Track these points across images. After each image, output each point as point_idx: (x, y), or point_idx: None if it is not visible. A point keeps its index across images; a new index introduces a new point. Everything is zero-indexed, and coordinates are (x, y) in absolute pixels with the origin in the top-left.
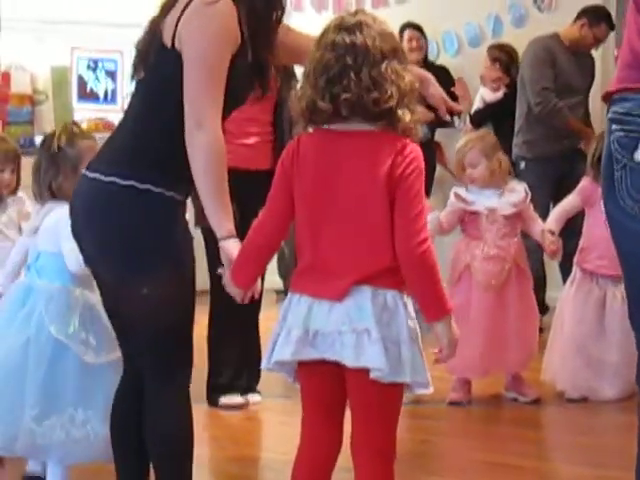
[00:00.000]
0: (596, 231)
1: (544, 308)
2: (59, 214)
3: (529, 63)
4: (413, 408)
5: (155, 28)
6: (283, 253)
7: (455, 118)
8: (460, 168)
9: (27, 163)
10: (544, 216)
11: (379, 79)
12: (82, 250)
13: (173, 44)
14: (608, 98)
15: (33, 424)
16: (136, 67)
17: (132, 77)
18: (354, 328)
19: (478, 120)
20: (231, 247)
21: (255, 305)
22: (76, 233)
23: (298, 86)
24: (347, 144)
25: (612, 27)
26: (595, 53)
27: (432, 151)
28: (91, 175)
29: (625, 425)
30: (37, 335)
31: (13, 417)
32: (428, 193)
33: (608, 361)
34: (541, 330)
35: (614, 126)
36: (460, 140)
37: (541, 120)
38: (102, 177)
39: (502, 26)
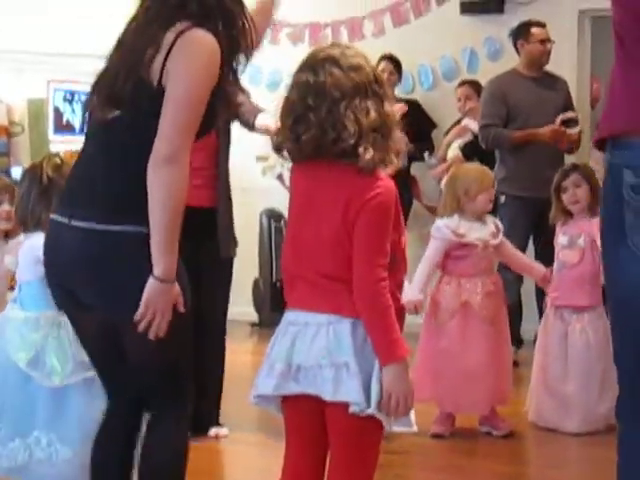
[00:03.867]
0: (554, 265)
1: (519, 341)
2: (33, 242)
3: (482, 101)
4: (386, 443)
5: (133, 67)
6: (258, 286)
7: (425, 154)
8: (461, 198)
9: None
10: (522, 250)
11: (337, 119)
12: (70, 298)
13: (160, 82)
14: (603, 141)
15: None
16: (101, 107)
17: (88, 116)
18: (333, 362)
19: (470, 152)
20: (162, 291)
21: (214, 338)
22: (64, 285)
23: None
24: (318, 178)
25: (542, 24)
26: (568, 77)
27: (408, 184)
28: (82, 224)
29: (594, 458)
30: (6, 362)
31: None
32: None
33: (569, 393)
34: (516, 364)
35: (627, 171)
36: (456, 171)
37: (506, 155)
38: (108, 227)
39: (477, 60)
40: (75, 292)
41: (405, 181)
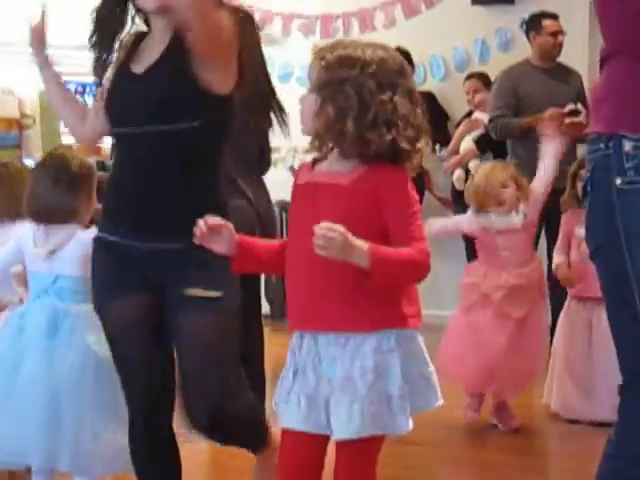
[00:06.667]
0: (573, 255)
1: None
2: (83, 239)
3: (492, 92)
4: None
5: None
6: (270, 277)
7: (437, 147)
8: (484, 196)
9: None
10: (535, 241)
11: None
12: None
13: None
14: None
15: (92, 442)
16: None
17: None
18: None
19: (484, 144)
20: None
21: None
22: None
23: None
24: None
25: (554, 16)
26: (580, 68)
27: (422, 177)
28: None
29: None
30: (82, 355)
31: (53, 436)
32: None
33: (596, 383)
34: None
35: None
36: (479, 168)
37: (517, 144)
38: None
39: (489, 50)
40: None
41: (417, 173)
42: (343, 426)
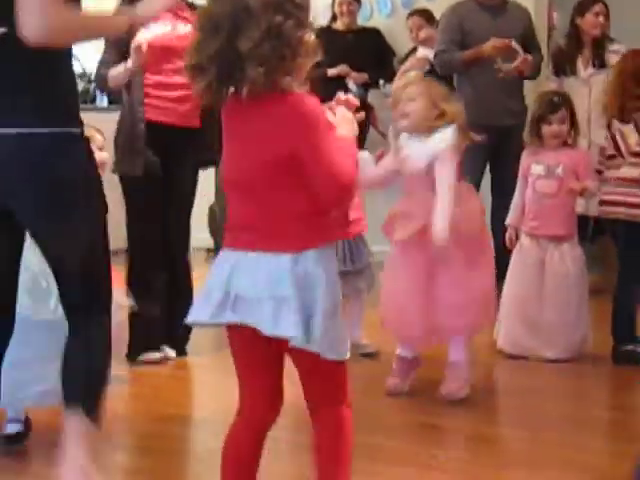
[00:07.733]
0: (528, 194)
1: None
2: None
3: (439, 28)
4: None
5: None
6: (213, 211)
7: (381, 82)
8: (394, 104)
9: None
10: (477, 182)
11: None
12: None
13: None
14: None
15: None
16: None
17: None
18: (273, 295)
19: None
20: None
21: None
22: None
23: None
24: None
25: None
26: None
27: (366, 112)
28: None
29: (562, 387)
30: None
31: None
32: None
33: (546, 321)
34: None
35: None
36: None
37: (461, 81)
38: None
39: None
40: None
41: (362, 108)
42: None
